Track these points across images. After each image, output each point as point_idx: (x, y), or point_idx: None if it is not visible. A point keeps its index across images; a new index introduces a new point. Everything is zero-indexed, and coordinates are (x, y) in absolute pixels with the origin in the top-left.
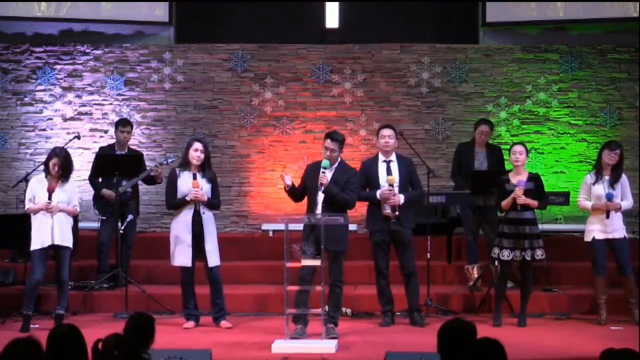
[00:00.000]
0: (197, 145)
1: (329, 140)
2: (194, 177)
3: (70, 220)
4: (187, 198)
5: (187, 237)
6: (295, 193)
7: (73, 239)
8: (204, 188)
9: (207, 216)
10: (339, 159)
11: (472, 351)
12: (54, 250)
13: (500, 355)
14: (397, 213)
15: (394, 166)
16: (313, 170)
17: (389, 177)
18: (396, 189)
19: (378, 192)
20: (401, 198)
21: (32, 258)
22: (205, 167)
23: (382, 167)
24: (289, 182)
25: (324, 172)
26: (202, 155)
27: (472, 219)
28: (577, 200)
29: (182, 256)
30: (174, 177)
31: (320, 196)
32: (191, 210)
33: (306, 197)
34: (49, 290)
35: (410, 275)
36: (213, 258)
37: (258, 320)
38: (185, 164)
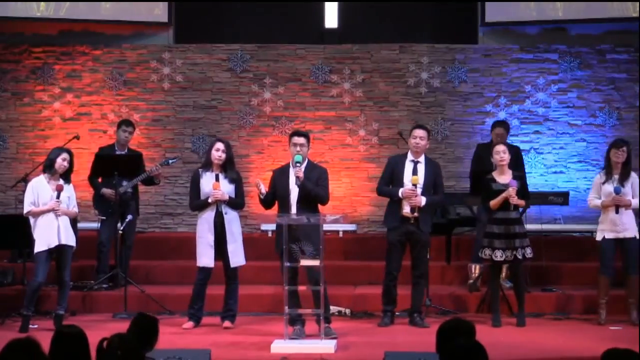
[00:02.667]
0: (219, 145)
1: (295, 137)
2: (216, 178)
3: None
4: (209, 200)
5: (210, 238)
6: (267, 201)
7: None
8: (226, 188)
9: (230, 216)
10: (307, 158)
11: (452, 354)
12: (57, 251)
13: (480, 358)
14: (415, 214)
15: (421, 167)
16: (281, 174)
17: (413, 177)
18: (419, 191)
19: (400, 190)
20: (423, 200)
21: (35, 260)
22: (227, 168)
23: (408, 166)
24: (264, 191)
25: (298, 166)
26: (224, 155)
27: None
28: (588, 200)
29: (204, 256)
30: (197, 177)
31: (294, 198)
32: (213, 211)
33: (277, 202)
34: (47, 291)
35: (420, 277)
36: (235, 258)
37: (257, 320)
38: (207, 164)
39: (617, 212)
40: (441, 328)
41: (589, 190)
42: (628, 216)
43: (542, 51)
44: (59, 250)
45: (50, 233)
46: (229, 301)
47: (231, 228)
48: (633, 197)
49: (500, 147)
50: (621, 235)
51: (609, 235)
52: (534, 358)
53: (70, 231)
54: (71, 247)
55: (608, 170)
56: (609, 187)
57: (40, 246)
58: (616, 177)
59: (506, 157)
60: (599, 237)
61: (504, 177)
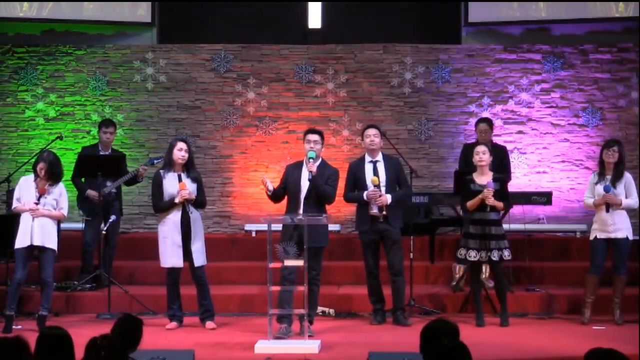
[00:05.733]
0: (181, 145)
1: (310, 134)
2: (179, 178)
3: (55, 222)
4: (176, 200)
5: (177, 238)
6: (276, 195)
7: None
8: (190, 187)
9: (195, 216)
10: (320, 157)
11: (436, 354)
12: (38, 252)
13: (464, 358)
14: (384, 213)
15: (380, 166)
16: (294, 169)
17: (372, 178)
18: (383, 189)
19: (365, 193)
20: (388, 198)
21: (15, 257)
22: (189, 167)
23: (368, 168)
24: (271, 188)
25: (311, 161)
26: (187, 155)
27: None
28: (583, 200)
29: (173, 257)
30: (159, 179)
31: (303, 194)
32: (179, 211)
33: (286, 197)
34: (31, 292)
35: (397, 274)
36: (199, 258)
37: (241, 320)
38: (169, 165)
39: (607, 210)
40: (425, 328)
41: (573, 190)
42: (620, 216)
43: (525, 51)
44: (39, 251)
45: (25, 232)
46: (204, 302)
47: (196, 227)
48: (627, 197)
49: (481, 148)
50: (612, 236)
51: (601, 235)
52: (518, 358)
53: (48, 234)
54: (51, 249)
55: (601, 170)
56: (601, 188)
57: (17, 243)
58: (609, 177)
59: (485, 157)
60: (591, 237)
61: (483, 177)
